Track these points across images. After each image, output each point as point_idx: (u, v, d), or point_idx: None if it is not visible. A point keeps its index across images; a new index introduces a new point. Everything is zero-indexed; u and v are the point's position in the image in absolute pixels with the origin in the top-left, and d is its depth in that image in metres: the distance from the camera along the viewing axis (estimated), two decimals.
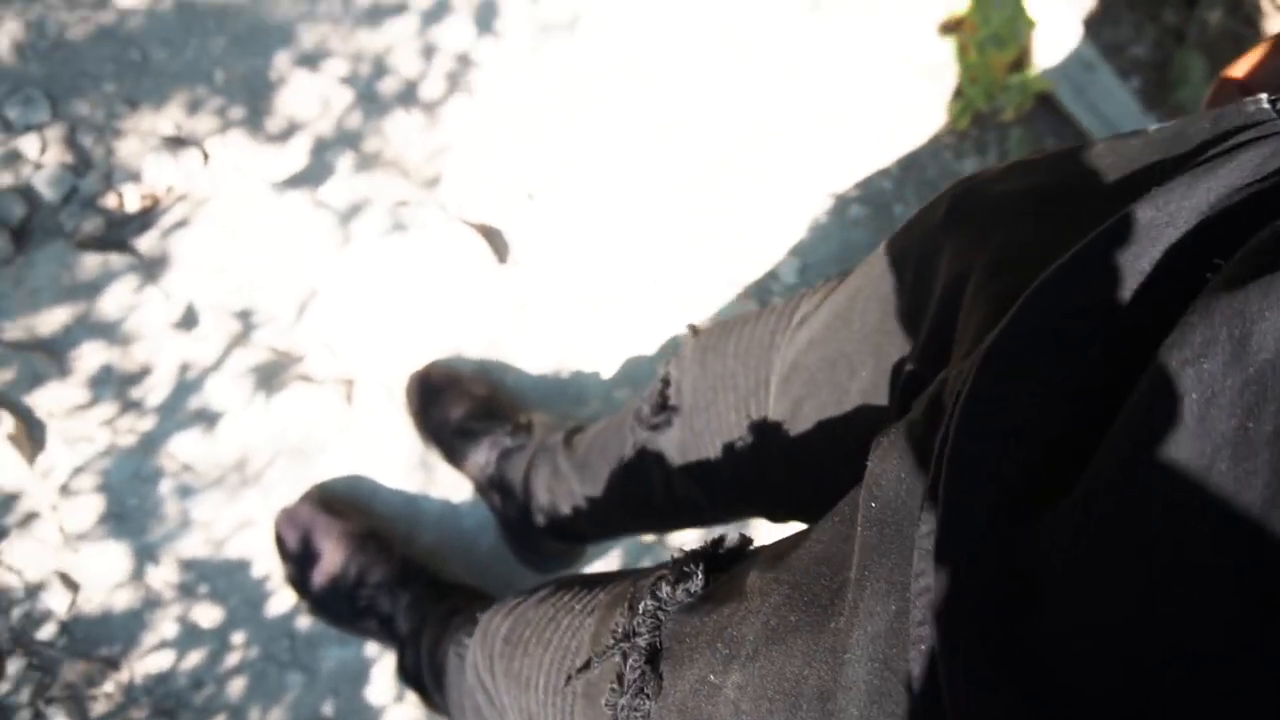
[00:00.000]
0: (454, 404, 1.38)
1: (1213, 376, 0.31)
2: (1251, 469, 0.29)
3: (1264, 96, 0.44)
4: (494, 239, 1.60)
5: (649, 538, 1.49)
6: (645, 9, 1.73)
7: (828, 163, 1.73)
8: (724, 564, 0.57)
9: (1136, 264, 0.39)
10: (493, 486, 1.31)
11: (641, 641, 0.54)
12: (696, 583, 0.55)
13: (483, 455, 1.32)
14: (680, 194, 1.67)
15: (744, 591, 0.50)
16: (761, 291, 1.66)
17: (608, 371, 1.56)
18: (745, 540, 0.59)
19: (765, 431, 0.76)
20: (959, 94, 1.67)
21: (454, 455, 1.36)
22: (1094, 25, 1.99)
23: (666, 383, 0.91)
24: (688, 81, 1.72)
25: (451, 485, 1.42)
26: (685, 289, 1.62)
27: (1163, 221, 0.40)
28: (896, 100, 1.77)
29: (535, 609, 0.73)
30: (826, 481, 0.71)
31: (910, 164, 1.75)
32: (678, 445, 0.88)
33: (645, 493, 0.96)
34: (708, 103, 1.71)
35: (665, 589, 0.56)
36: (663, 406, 0.90)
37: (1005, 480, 0.38)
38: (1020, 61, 1.60)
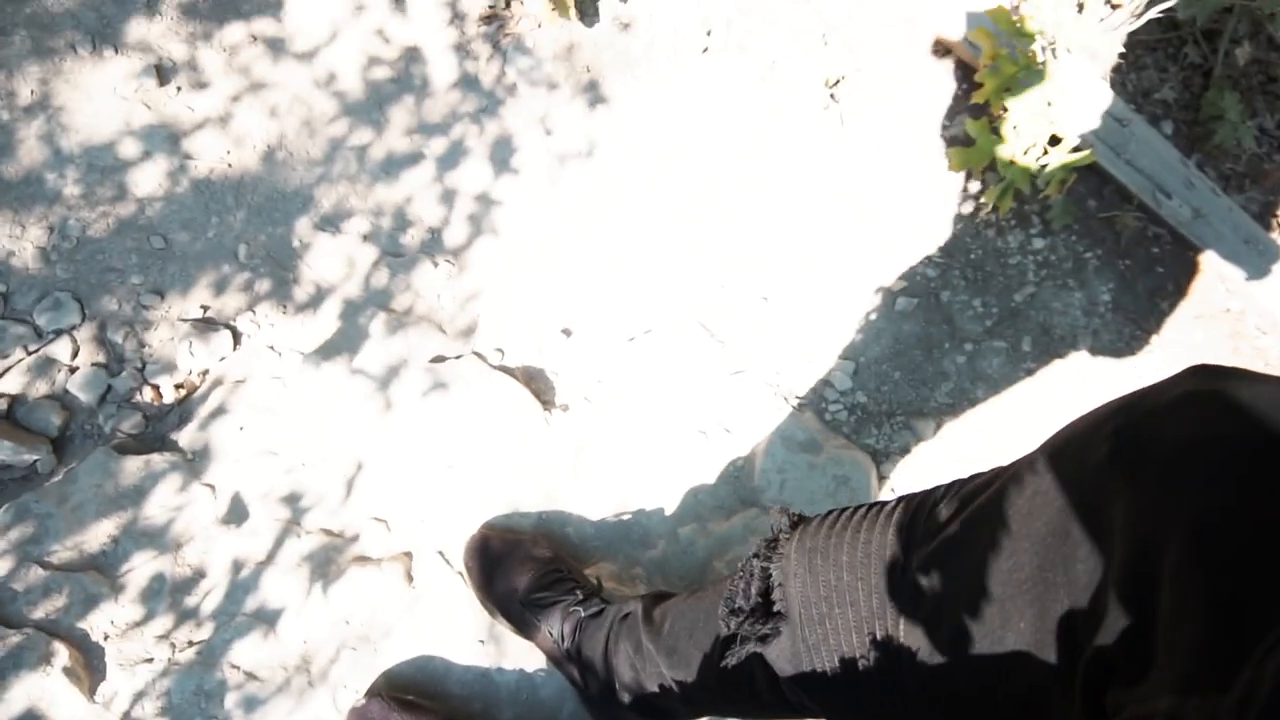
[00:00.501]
0: (518, 572, 1.32)
1: None
2: None
3: None
4: (537, 382, 1.56)
5: None
6: (662, 130, 1.69)
7: (868, 258, 1.68)
8: None
9: None
10: (570, 660, 1.25)
11: None
12: None
13: (556, 627, 1.26)
14: (720, 310, 1.62)
15: None
16: (817, 401, 1.60)
17: (670, 508, 1.50)
18: None
19: (898, 658, 0.69)
20: (997, 176, 1.61)
21: (524, 627, 1.30)
22: (1118, 75, 1.94)
23: (768, 584, 0.84)
24: (714, 195, 1.67)
25: (524, 654, 1.36)
26: (739, 409, 1.56)
27: None
28: (929, 187, 1.71)
29: None
30: (970, 717, 0.65)
31: (953, 249, 1.69)
32: (789, 657, 0.81)
33: (748, 692, 0.89)
34: (737, 213, 1.67)
35: None
36: (768, 612, 0.83)
37: None
38: (1056, 137, 1.55)
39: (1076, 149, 1.51)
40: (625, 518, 1.48)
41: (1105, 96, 1.73)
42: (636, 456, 1.51)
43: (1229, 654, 0.36)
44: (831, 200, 1.69)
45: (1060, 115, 1.54)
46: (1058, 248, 1.71)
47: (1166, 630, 0.43)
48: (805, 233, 1.68)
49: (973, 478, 0.69)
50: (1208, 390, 0.49)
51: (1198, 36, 2.09)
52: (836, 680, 0.75)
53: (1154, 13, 1.78)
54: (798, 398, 1.59)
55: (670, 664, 1.02)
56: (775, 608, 0.81)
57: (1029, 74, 1.49)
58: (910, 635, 0.67)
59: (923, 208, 1.71)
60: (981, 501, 0.66)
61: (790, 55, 1.74)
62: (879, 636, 0.70)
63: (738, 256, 1.65)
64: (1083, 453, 0.54)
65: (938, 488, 0.72)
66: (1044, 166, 1.52)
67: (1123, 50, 1.98)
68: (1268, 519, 0.40)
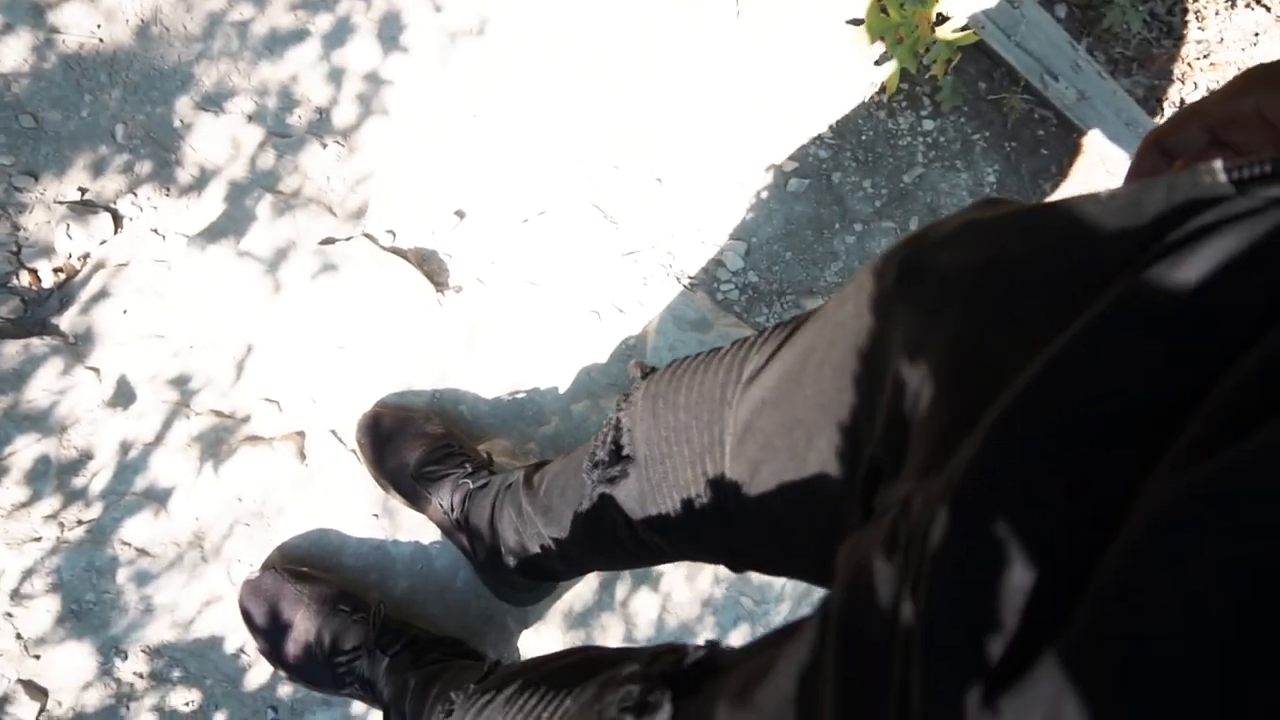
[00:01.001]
0: (409, 447, 1.34)
1: None
2: None
3: (1218, 166, 0.40)
4: (430, 264, 1.56)
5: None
6: (554, 6, 1.66)
7: (761, 140, 1.69)
8: (691, 682, 0.54)
9: (1106, 386, 0.37)
10: (460, 529, 1.28)
11: None
12: (663, 716, 0.53)
13: (446, 499, 1.29)
14: (614, 191, 1.62)
15: None
16: (709, 282, 1.63)
17: (563, 385, 1.52)
18: (713, 653, 0.57)
19: (724, 490, 0.73)
20: (884, 57, 1.63)
21: (415, 500, 1.33)
22: None
23: (619, 430, 0.88)
24: (608, 74, 1.66)
25: (418, 527, 1.39)
26: (632, 289, 1.58)
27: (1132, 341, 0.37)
28: (822, 68, 1.72)
29: (500, 714, 0.71)
30: (790, 541, 0.69)
31: (844, 130, 1.71)
32: (636, 497, 0.85)
33: (611, 538, 0.93)
34: (631, 93, 1.66)
35: None
36: (618, 456, 0.87)
37: (986, 661, 0.35)
38: (943, 16, 1.56)
39: (965, 29, 1.53)
40: (519, 396, 1.51)
41: None
42: (530, 336, 1.53)
43: (963, 436, 0.40)
44: (726, 81, 1.69)
45: None
46: (946, 129, 1.74)
47: (918, 427, 0.47)
48: (699, 114, 1.68)
49: (796, 316, 0.72)
50: (983, 218, 0.53)
51: None
52: (678, 517, 0.79)
53: None
54: (690, 278, 1.62)
55: (546, 522, 1.06)
56: (624, 451, 0.84)
57: None
58: (735, 467, 0.71)
59: (816, 89, 1.72)
60: (790, 332, 0.70)
61: None
62: (710, 472, 0.74)
63: (631, 137, 1.65)
64: (878, 281, 0.57)
65: (765, 329, 0.76)
66: (931, 45, 1.53)
67: None
68: (1005, 333, 0.44)
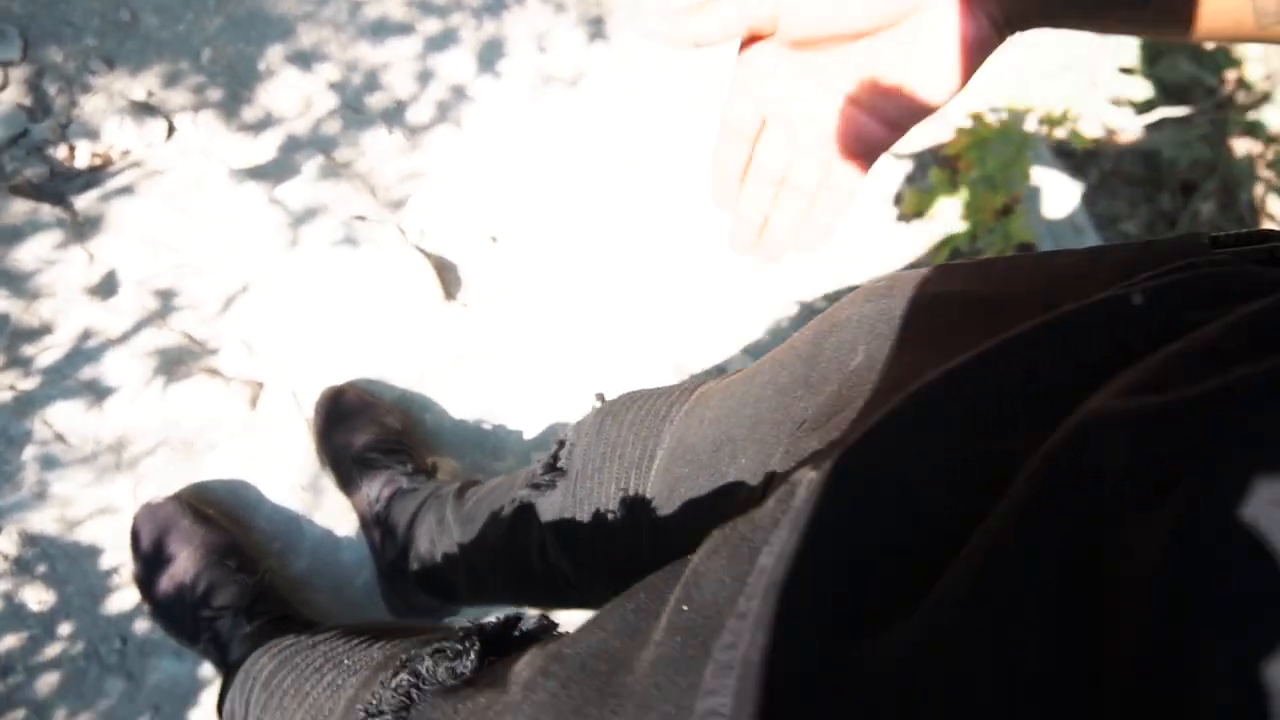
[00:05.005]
0: (361, 430, 1.30)
1: None
2: None
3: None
4: (446, 274, 1.55)
5: None
6: (648, 80, 1.71)
7: (799, 272, 1.70)
8: (511, 647, 0.50)
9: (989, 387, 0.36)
10: (377, 524, 1.23)
11: None
12: (466, 663, 0.48)
13: (375, 489, 1.24)
14: (642, 272, 1.62)
15: (507, 682, 0.43)
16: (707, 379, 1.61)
17: (531, 431, 1.49)
18: (548, 624, 0.52)
19: (638, 508, 0.69)
20: (943, 228, 1.65)
21: (347, 483, 1.28)
22: (1091, 195, 1.99)
23: (561, 445, 0.85)
24: (673, 162, 1.69)
25: (338, 514, 1.34)
26: (627, 365, 1.56)
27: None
28: (877, 223, 1.74)
29: (306, 654, 0.66)
30: None
31: None
32: (557, 509, 0.81)
33: (522, 557, 0.88)
34: (689, 189, 1.68)
35: (428, 664, 0.49)
36: (552, 468, 0.83)
37: (838, 599, 0.33)
38: (1009, 208, 1.58)
39: (1022, 226, 1.55)
40: (484, 426, 1.47)
41: (1072, 199, 1.78)
42: (515, 374, 1.50)
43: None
44: None
45: (1021, 190, 1.57)
46: None
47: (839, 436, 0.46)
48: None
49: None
50: (966, 264, 0.54)
51: (1175, 188, 2.15)
52: (589, 533, 0.75)
53: (1150, 122, 1.84)
54: (690, 373, 1.60)
55: (463, 532, 1.01)
56: (559, 464, 0.81)
57: (1005, 141, 1.52)
58: (656, 483, 0.68)
59: (865, 242, 1.73)
60: (735, 378, 0.68)
61: None
62: (631, 489, 0.71)
63: (677, 223, 1.66)
64: (841, 311, 0.58)
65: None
66: (988, 230, 1.55)
67: (1104, 173, 2.04)
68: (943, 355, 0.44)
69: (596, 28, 1.71)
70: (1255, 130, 2.14)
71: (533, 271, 1.58)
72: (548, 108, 1.67)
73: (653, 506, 0.67)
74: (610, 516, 0.72)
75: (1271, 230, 0.43)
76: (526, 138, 1.65)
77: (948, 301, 0.51)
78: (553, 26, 1.69)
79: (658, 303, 1.61)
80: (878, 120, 0.51)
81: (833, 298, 1.69)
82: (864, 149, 0.52)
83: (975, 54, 0.47)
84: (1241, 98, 2.19)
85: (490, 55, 1.67)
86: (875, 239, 1.73)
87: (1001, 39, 0.47)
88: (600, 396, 0.89)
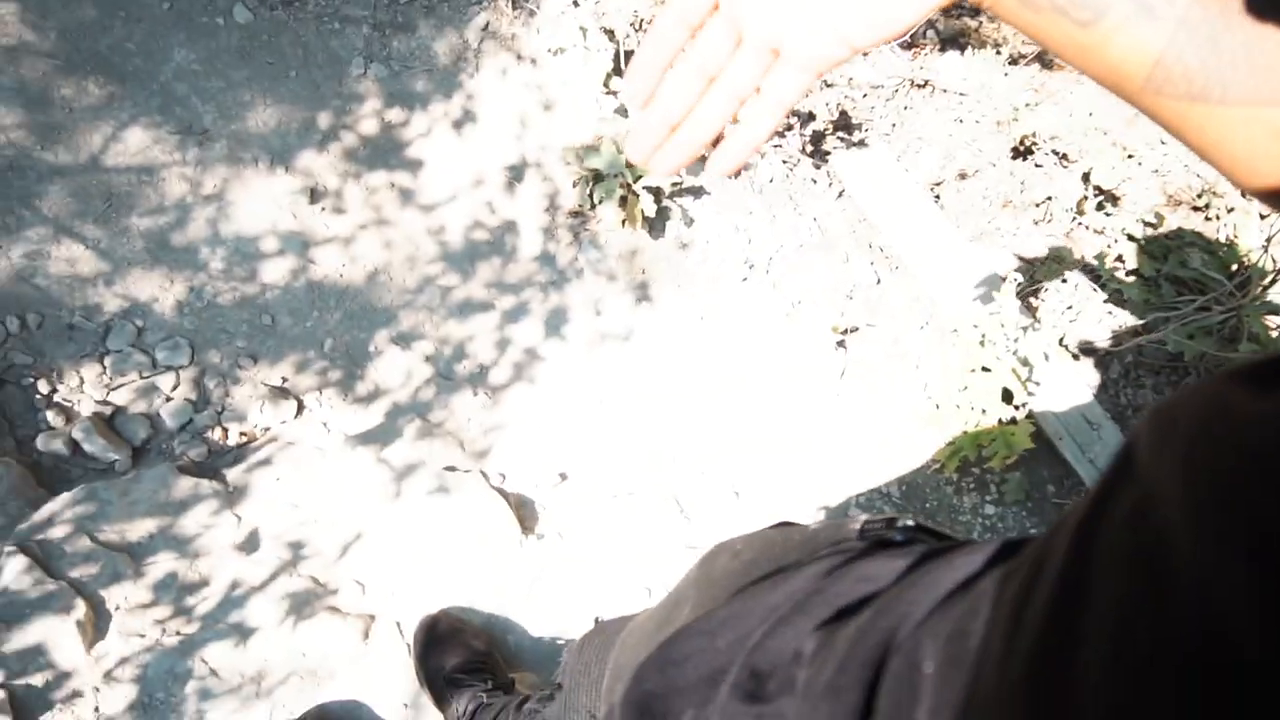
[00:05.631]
0: (452, 652, 1.56)
1: None
2: None
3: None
4: (524, 510, 1.83)
5: None
6: (691, 335, 2.01)
7: (837, 483, 1.92)
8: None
9: (715, 643, 0.59)
10: None
11: None
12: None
13: (463, 704, 1.48)
14: (696, 492, 1.88)
15: None
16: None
17: None
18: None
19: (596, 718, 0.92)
20: (952, 441, 1.86)
21: (440, 701, 1.53)
22: (1113, 388, 2.17)
23: (560, 663, 1.09)
24: (719, 398, 1.96)
25: None
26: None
27: (744, 614, 0.59)
28: (903, 436, 1.96)
29: None
30: None
31: (911, 495, 1.92)
32: (556, 718, 1.04)
33: None
34: (734, 418, 1.95)
35: None
36: (558, 684, 1.07)
37: None
38: (1013, 419, 1.79)
39: (1023, 436, 1.75)
40: (559, 642, 1.71)
41: (1083, 397, 1.97)
42: (587, 595, 1.74)
43: None
44: (819, 427, 1.96)
45: (1022, 398, 1.78)
46: (1007, 518, 1.92)
47: None
48: (790, 451, 1.94)
49: None
50: (761, 536, 0.77)
51: (1200, 371, 2.31)
52: None
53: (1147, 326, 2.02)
54: None
55: None
56: (558, 679, 1.04)
57: (1003, 357, 1.75)
58: (605, 697, 0.90)
59: (895, 452, 1.95)
60: (648, 613, 0.91)
61: (815, 300, 2.05)
62: (594, 702, 0.94)
63: (724, 452, 1.92)
64: (701, 567, 0.82)
65: None
66: (991, 439, 1.75)
67: (1125, 365, 2.22)
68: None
69: (642, 291, 2.04)
70: (1276, 310, 2.30)
71: (597, 502, 1.85)
72: (605, 359, 1.98)
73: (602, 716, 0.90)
74: None
75: (895, 515, 0.65)
76: (588, 387, 1.95)
77: (735, 571, 0.73)
78: (606, 293, 2.03)
79: (706, 519, 1.85)
80: (832, 32, 0.49)
81: (864, 505, 1.90)
82: (811, 61, 0.51)
83: None
84: (1254, 286, 2.36)
85: (556, 321, 2.01)
86: (901, 448, 1.95)
87: None
88: (597, 620, 1.13)
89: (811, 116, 2.21)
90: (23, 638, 1.46)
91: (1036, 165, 2.20)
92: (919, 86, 2.37)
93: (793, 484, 1.91)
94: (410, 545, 1.72)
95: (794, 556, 0.67)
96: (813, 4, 0.48)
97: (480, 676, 1.52)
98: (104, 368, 1.81)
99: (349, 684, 1.58)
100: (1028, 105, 2.17)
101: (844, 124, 2.28)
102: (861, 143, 2.24)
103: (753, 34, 0.50)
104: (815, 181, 2.18)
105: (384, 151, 2.08)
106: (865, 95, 2.34)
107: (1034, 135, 2.18)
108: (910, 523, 0.63)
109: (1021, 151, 2.22)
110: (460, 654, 1.55)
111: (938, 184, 2.24)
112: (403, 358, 1.95)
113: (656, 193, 1.96)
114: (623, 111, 2.01)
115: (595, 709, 0.94)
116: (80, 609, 1.50)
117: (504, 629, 1.70)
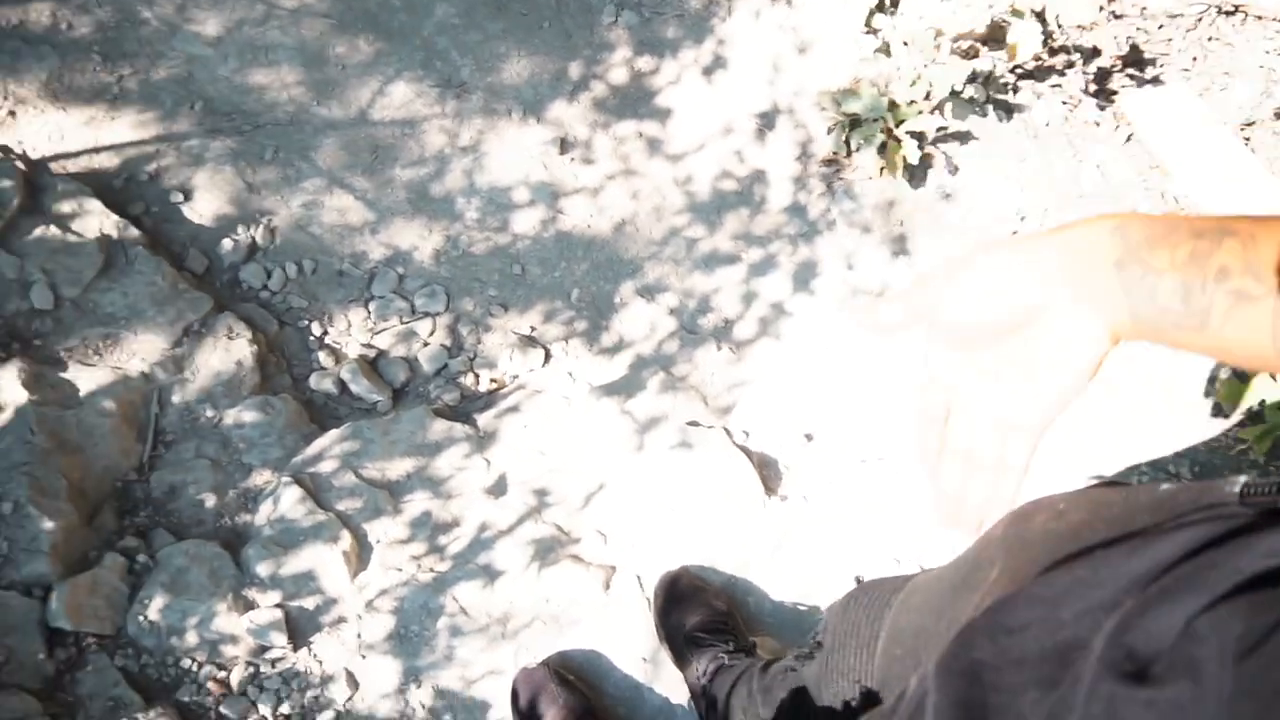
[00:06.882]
0: (692, 611, 1.52)
1: None
2: None
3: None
4: (767, 470, 1.77)
5: None
6: None
7: (1112, 460, 1.73)
8: None
9: (1058, 613, 0.50)
10: (703, 695, 1.42)
11: None
12: None
13: (703, 665, 1.44)
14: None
15: None
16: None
17: None
18: None
19: (872, 678, 0.85)
20: (1255, 420, 1.62)
21: (680, 659, 1.50)
22: None
23: (820, 622, 1.02)
24: None
25: (674, 685, 1.55)
26: (923, 544, 1.67)
27: (1094, 582, 0.50)
28: (1198, 420, 1.74)
29: None
30: None
31: (1206, 476, 1.70)
32: (815, 679, 0.97)
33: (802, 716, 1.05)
34: None
35: None
36: (818, 642, 1.01)
37: None
38: None
39: None
40: (801, 608, 1.64)
41: None
42: (832, 562, 1.66)
43: None
44: (1103, 399, 1.77)
45: None
46: None
47: None
48: (1062, 424, 1.76)
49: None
50: (1079, 495, 0.66)
51: None
52: (849, 698, 0.90)
53: None
54: None
55: (764, 702, 1.19)
56: (817, 638, 0.98)
57: None
58: (880, 660, 0.83)
59: (1185, 430, 1.73)
60: (932, 574, 0.81)
61: None
62: (866, 662, 0.86)
63: None
64: (997, 529, 0.72)
65: None
66: None
67: None
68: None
69: (899, 245, 1.91)
70: None
71: (845, 465, 1.75)
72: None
73: (876, 679, 0.82)
74: (863, 683, 0.88)
75: None
76: (838, 343, 1.86)
77: (1059, 533, 0.63)
78: (859, 246, 1.92)
79: None
80: (1023, 408, 0.57)
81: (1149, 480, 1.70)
82: (1022, 432, 0.58)
83: (1089, 354, 0.53)
84: None
85: (805, 275, 1.92)
86: (1190, 421, 1.73)
87: (1114, 343, 0.52)
88: (858, 579, 1.05)
89: (1096, 52, 1.99)
90: (296, 563, 1.55)
91: None
92: (1227, 14, 2.08)
93: (1064, 457, 1.73)
94: (652, 499, 1.70)
95: (1144, 520, 0.57)
96: (1004, 388, 0.58)
97: (721, 637, 1.48)
98: (369, 312, 1.89)
99: (590, 633, 1.58)
100: None
101: (1134, 59, 2.04)
102: (1156, 79, 2.00)
103: (980, 419, 0.60)
104: (1099, 124, 1.96)
105: (633, 100, 2.05)
106: (1161, 26, 2.07)
107: None
108: None
109: None
110: (701, 613, 1.52)
111: (1248, 124, 1.96)
112: (647, 310, 1.92)
113: (920, 138, 1.82)
114: (885, 50, 1.88)
115: (865, 672, 0.88)
116: (346, 540, 1.58)
117: (744, 591, 1.65)
